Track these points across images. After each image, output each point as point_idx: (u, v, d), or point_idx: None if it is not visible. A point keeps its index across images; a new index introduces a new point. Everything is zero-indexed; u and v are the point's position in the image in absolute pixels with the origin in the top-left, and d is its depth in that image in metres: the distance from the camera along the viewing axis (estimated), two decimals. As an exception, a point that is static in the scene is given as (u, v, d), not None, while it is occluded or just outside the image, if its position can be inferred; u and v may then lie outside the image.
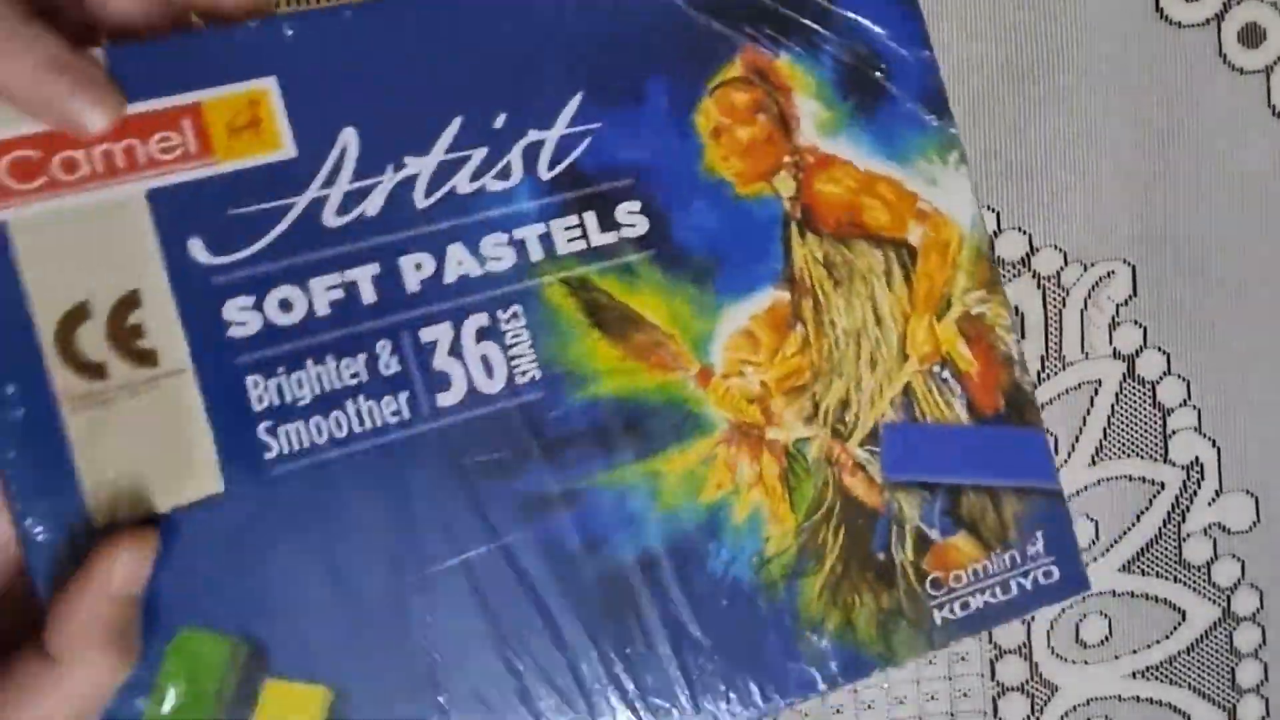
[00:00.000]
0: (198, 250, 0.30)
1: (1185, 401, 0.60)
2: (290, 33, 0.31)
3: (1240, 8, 0.59)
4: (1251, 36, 0.59)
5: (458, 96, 0.31)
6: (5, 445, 0.28)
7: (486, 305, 0.31)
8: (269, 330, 0.30)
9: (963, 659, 0.60)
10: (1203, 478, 0.61)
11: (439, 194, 0.31)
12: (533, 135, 0.32)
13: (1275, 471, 0.61)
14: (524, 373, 0.32)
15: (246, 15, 0.31)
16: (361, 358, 0.31)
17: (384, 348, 0.31)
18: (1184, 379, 0.60)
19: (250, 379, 0.30)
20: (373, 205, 0.31)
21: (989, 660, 0.60)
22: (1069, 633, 0.61)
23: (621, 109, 0.33)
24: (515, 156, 0.31)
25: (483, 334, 0.31)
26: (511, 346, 0.32)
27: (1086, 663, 0.61)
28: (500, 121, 0.32)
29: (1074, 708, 0.61)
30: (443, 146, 0.31)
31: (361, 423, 0.31)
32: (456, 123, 0.31)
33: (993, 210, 0.58)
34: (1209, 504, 0.61)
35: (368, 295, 0.31)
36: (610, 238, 0.33)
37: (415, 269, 0.31)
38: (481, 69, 0.31)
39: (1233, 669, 0.62)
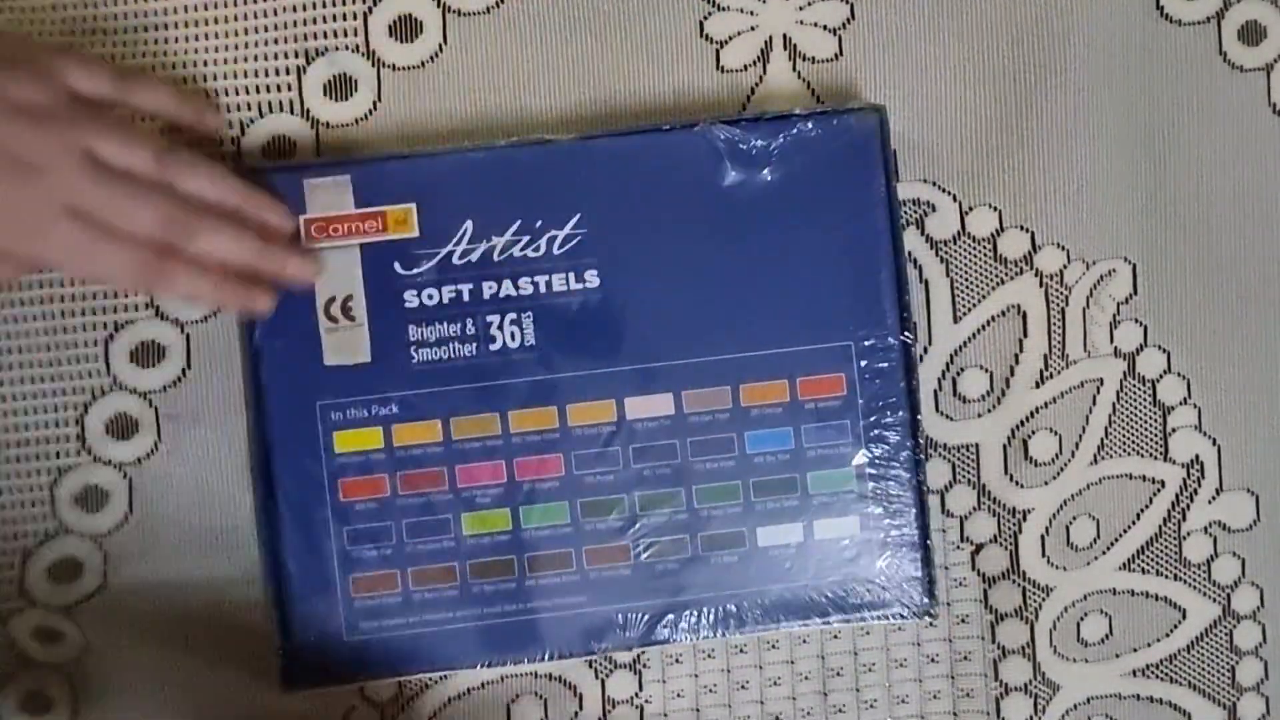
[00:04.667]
0: (395, 268, 0.54)
1: (1185, 400, 0.60)
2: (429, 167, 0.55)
3: (1240, 6, 0.59)
4: (1251, 34, 0.59)
5: (516, 207, 0.55)
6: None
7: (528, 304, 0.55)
8: (421, 308, 0.55)
9: (965, 658, 0.60)
10: (1203, 476, 0.61)
11: (505, 254, 0.55)
12: (552, 231, 0.55)
13: (1275, 469, 0.61)
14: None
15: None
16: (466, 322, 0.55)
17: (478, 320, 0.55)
18: (1184, 377, 0.60)
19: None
20: (472, 257, 0.55)
21: (992, 660, 0.60)
22: (1070, 631, 0.61)
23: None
24: (543, 241, 0.55)
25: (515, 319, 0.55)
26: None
27: (1087, 661, 0.61)
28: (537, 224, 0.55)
29: (1074, 706, 0.61)
30: (509, 232, 0.55)
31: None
32: (516, 223, 0.55)
33: (994, 208, 0.58)
34: (1209, 502, 0.61)
35: (467, 297, 0.55)
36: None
37: (493, 286, 0.55)
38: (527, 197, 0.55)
39: (1233, 667, 0.62)
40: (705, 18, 0.57)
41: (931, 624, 0.60)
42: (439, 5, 0.56)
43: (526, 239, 0.54)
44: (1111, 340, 0.60)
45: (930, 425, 0.59)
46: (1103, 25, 0.58)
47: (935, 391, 0.59)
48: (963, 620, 0.60)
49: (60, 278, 0.55)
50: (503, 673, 0.58)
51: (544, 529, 0.55)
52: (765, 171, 0.55)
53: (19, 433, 0.55)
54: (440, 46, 0.56)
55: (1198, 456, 0.61)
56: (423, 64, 0.56)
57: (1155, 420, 0.60)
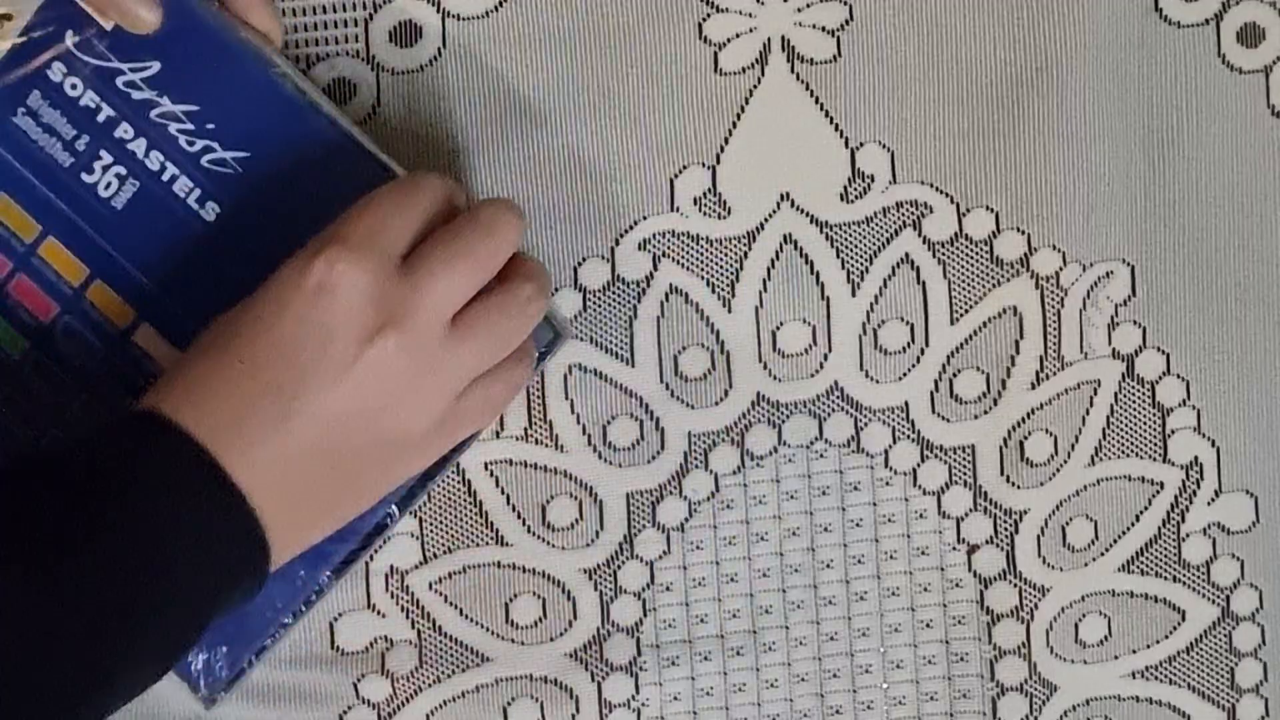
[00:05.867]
0: (67, 33, 0.49)
1: (1184, 401, 0.60)
2: None
3: (1239, 7, 0.59)
4: (1250, 36, 0.59)
5: (205, 97, 0.50)
6: None
7: None
8: (58, 86, 0.50)
9: (962, 659, 0.60)
10: (1202, 477, 0.61)
11: (162, 120, 0.50)
12: (214, 144, 0.51)
13: (1275, 471, 0.61)
14: None
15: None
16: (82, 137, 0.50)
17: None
18: (1183, 379, 0.60)
19: None
20: (135, 93, 0.50)
21: (988, 661, 0.60)
22: (1068, 632, 0.61)
23: None
24: (201, 143, 0.50)
25: None
26: None
27: (1085, 662, 0.61)
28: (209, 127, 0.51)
29: (1073, 707, 0.61)
30: (181, 106, 0.50)
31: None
32: (194, 107, 0.50)
33: (991, 210, 0.58)
34: (1208, 504, 0.61)
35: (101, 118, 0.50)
36: None
37: (129, 133, 0.50)
38: None
39: (1232, 669, 0.62)
40: (704, 19, 0.57)
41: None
42: (438, 10, 0.56)
43: (190, 127, 0.50)
44: (1110, 342, 0.60)
45: (927, 426, 0.59)
46: (1101, 26, 0.58)
47: (931, 393, 0.59)
48: (959, 621, 0.60)
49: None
50: (497, 675, 0.58)
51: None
52: None
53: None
54: (439, 51, 0.56)
55: (1197, 458, 0.61)
56: (421, 68, 0.56)
57: (1154, 422, 0.60)
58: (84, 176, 0.50)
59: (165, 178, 0.50)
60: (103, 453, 0.44)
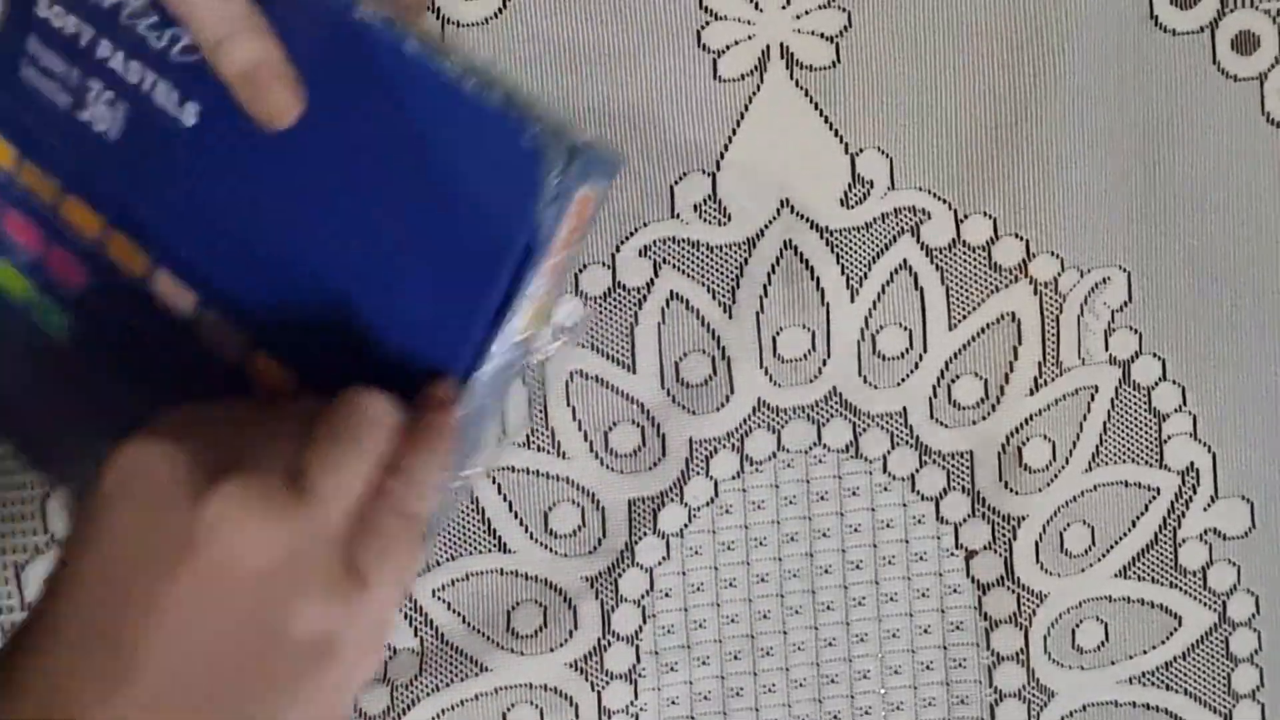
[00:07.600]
0: None
1: (1181, 407, 0.61)
2: None
3: (1233, 15, 0.59)
4: (1245, 44, 0.59)
5: None
6: None
7: None
8: (47, 23, 0.46)
9: (960, 665, 0.60)
10: (1198, 483, 0.61)
11: (131, 20, 0.44)
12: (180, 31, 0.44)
13: (1270, 476, 0.61)
14: None
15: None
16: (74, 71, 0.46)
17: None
18: (1179, 384, 0.61)
19: None
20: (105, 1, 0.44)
21: (986, 667, 0.60)
22: (1065, 638, 0.61)
23: None
24: (168, 34, 0.44)
25: None
26: None
27: (1083, 668, 0.61)
28: None
29: (1070, 713, 0.61)
30: None
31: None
32: None
33: (989, 216, 0.58)
34: (1204, 509, 0.61)
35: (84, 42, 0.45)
36: None
37: (109, 50, 0.45)
38: None
39: (1229, 674, 0.62)
40: (703, 27, 0.57)
41: None
42: (437, 17, 0.56)
43: (155, 18, 0.44)
44: (1106, 348, 0.60)
45: (925, 432, 0.59)
46: (1098, 34, 0.58)
47: (930, 398, 0.59)
48: (957, 627, 0.60)
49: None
50: (496, 685, 0.58)
51: (45, 330, 0.48)
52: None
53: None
54: (437, 56, 0.56)
55: (1193, 464, 0.61)
56: (420, 74, 0.56)
57: (1150, 427, 0.61)
58: (80, 115, 0.46)
59: (145, 90, 0.44)
60: None
